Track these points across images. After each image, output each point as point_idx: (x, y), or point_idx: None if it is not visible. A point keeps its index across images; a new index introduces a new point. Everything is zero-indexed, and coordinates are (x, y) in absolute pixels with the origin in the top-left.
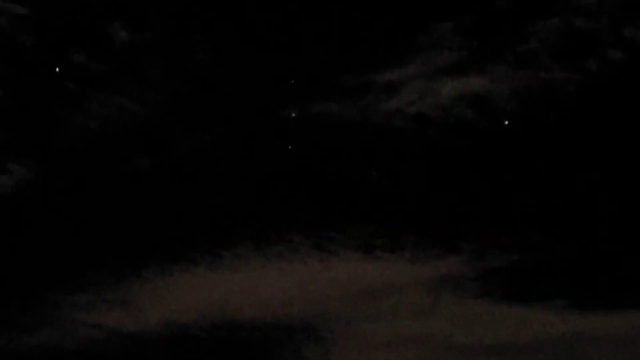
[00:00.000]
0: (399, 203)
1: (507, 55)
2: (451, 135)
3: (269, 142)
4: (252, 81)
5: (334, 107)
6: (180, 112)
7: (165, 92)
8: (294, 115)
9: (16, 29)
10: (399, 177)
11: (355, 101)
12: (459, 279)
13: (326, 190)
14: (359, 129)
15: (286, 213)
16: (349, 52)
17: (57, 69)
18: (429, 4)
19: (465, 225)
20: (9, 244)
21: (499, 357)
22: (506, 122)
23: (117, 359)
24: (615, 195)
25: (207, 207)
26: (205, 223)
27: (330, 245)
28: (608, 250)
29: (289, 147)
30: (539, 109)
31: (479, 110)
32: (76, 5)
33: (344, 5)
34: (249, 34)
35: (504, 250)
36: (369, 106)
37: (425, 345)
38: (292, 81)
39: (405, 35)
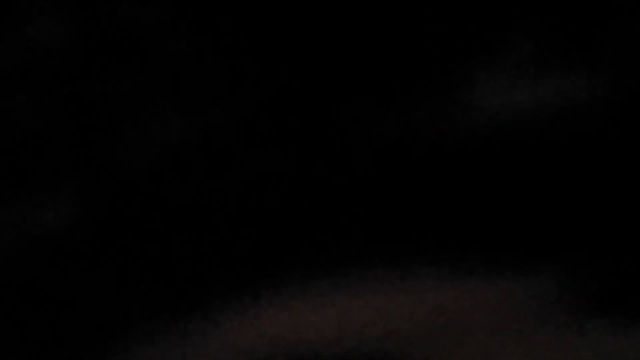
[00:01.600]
0: (476, 225)
1: (585, 60)
2: (530, 147)
3: (337, 161)
4: (312, 94)
5: (404, 121)
6: (234, 129)
7: (215, 105)
8: (361, 132)
9: (59, 50)
10: (475, 195)
11: (427, 115)
12: (540, 303)
13: (399, 213)
14: (432, 145)
15: (358, 239)
16: (416, 63)
17: (105, 85)
18: (501, 9)
19: (549, 246)
20: (63, 273)
21: None
22: (587, 131)
23: None
24: None
25: (271, 234)
26: (276, 252)
27: (401, 272)
28: None
29: (357, 159)
30: (622, 115)
31: (558, 118)
32: (124, 26)
33: (411, 15)
34: (306, 43)
35: (590, 272)
36: (445, 118)
37: None
38: (358, 96)
39: (475, 43)
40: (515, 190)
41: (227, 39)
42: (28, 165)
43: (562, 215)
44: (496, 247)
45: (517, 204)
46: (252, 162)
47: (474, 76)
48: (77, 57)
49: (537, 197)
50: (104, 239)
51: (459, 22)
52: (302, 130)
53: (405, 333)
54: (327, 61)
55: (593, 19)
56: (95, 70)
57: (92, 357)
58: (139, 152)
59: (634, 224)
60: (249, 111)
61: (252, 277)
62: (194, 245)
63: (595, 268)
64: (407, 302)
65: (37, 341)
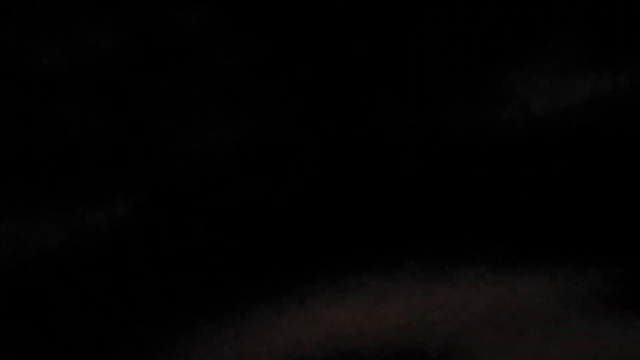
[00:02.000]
0: (525, 218)
1: (630, 55)
2: (574, 141)
3: (384, 159)
4: (360, 95)
5: (451, 119)
6: (284, 132)
7: (266, 111)
8: (408, 126)
9: (116, 59)
10: (521, 189)
11: (471, 111)
12: (594, 296)
13: (446, 210)
14: (477, 140)
15: (404, 237)
16: (460, 62)
17: (156, 94)
18: (544, 8)
19: (600, 239)
20: (120, 274)
21: None
22: (629, 129)
23: None
24: None
25: (322, 234)
26: (323, 252)
27: (453, 269)
28: None
29: (404, 160)
30: None
31: (602, 114)
32: (164, 33)
33: (452, 15)
34: (353, 46)
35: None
36: (485, 115)
37: None
38: (403, 92)
39: (519, 41)
40: (561, 187)
41: (264, 46)
42: (81, 167)
43: (605, 212)
44: (545, 244)
45: (563, 200)
46: (292, 165)
47: (516, 74)
48: (125, 64)
49: (582, 194)
50: (152, 240)
51: (503, 20)
52: (341, 131)
53: (453, 333)
54: (370, 60)
55: (635, 17)
56: (143, 77)
57: (145, 351)
58: (186, 156)
59: None
60: (287, 114)
61: (296, 277)
62: (236, 247)
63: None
64: (456, 299)
65: (86, 334)
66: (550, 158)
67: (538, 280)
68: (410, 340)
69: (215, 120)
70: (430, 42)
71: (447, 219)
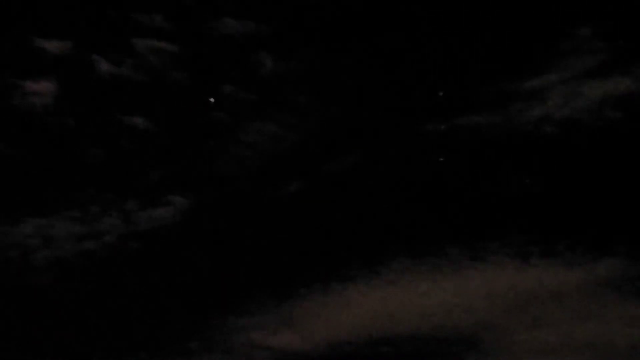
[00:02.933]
0: (552, 208)
1: None
2: (599, 137)
3: (418, 157)
4: (398, 98)
5: (481, 118)
6: (328, 134)
7: (312, 116)
8: (442, 127)
9: (168, 65)
10: (549, 182)
11: (501, 110)
12: (617, 281)
13: (478, 201)
14: (507, 138)
15: (440, 225)
16: (492, 63)
17: (212, 100)
18: (567, 10)
19: (621, 227)
20: (173, 272)
21: None
22: None
23: None
24: None
25: (360, 225)
26: (360, 240)
27: (486, 255)
28: None
29: (440, 159)
30: None
31: (626, 111)
32: (222, 37)
33: (484, 17)
34: (392, 52)
35: None
36: (515, 114)
37: (585, 351)
38: (440, 94)
39: (546, 41)
40: (583, 181)
41: (307, 54)
42: (144, 168)
43: (625, 205)
44: (576, 230)
45: (586, 193)
46: (335, 166)
47: (541, 79)
48: (182, 70)
49: (603, 187)
50: (206, 233)
51: (528, 30)
52: (380, 134)
53: (486, 316)
54: (408, 66)
55: None
56: (195, 81)
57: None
58: (237, 158)
59: None
60: (329, 118)
61: (346, 265)
62: (282, 240)
63: None
64: (488, 285)
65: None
66: (573, 155)
67: (565, 267)
68: (445, 322)
69: (263, 123)
70: (465, 51)
71: (480, 210)
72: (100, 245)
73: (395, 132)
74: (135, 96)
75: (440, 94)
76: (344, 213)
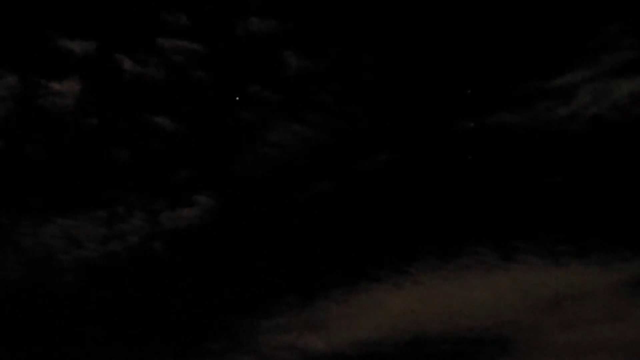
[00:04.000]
0: (582, 207)
1: None
2: (629, 135)
3: (447, 155)
4: (426, 96)
5: (510, 116)
6: (354, 133)
7: (338, 115)
8: (471, 125)
9: (192, 64)
10: (579, 181)
11: (529, 108)
12: None
13: (508, 199)
14: (536, 136)
15: (469, 225)
16: (521, 62)
17: (237, 98)
18: (595, 8)
19: None
20: (199, 273)
21: None
22: None
23: None
24: None
25: (388, 225)
26: (388, 240)
27: (516, 254)
28: None
29: (469, 157)
30: None
31: None
32: (246, 37)
33: (512, 15)
34: (419, 50)
35: None
36: (543, 112)
37: (617, 350)
38: (468, 92)
39: (574, 39)
40: (623, 177)
41: (330, 52)
42: (169, 168)
43: None
44: (607, 229)
45: (626, 188)
46: (364, 166)
47: (577, 73)
48: (206, 70)
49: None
50: (231, 233)
51: (560, 31)
52: (411, 133)
53: (517, 316)
54: (440, 63)
55: None
56: (219, 79)
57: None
58: (263, 157)
59: None
60: (360, 119)
61: (373, 265)
62: (309, 237)
63: None
64: (519, 285)
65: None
66: (602, 153)
67: (596, 266)
68: (475, 323)
69: (289, 123)
70: (493, 49)
71: (510, 209)
72: (126, 246)
73: (423, 131)
74: (160, 96)
75: (469, 91)
76: (371, 213)
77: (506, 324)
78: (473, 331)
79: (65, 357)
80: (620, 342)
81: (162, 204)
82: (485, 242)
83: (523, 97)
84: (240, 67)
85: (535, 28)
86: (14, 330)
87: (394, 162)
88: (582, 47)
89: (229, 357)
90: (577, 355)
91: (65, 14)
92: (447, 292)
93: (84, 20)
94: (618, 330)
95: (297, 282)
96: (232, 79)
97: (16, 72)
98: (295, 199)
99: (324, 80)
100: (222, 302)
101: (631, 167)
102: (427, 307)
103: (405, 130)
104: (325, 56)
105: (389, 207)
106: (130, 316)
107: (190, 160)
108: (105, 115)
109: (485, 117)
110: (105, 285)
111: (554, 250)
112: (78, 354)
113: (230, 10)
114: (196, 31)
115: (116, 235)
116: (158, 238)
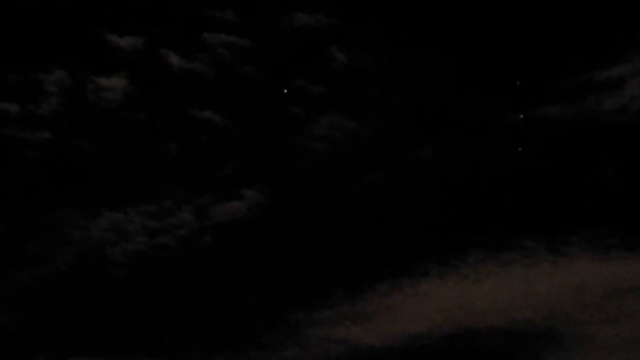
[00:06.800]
0: (632, 200)
1: None
2: None
3: (495, 148)
4: (474, 89)
5: (558, 109)
6: (402, 127)
7: (386, 109)
8: (521, 117)
9: (240, 59)
10: (629, 174)
11: (578, 101)
12: None
13: (557, 193)
14: (584, 129)
15: (518, 218)
16: (568, 54)
17: (285, 91)
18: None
19: None
20: (247, 266)
21: None
22: None
23: None
24: None
25: (435, 218)
26: (435, 234)
27: (565, 248)
28: None
29: (518, 150)
30: None
31: None
32: (292, 32)
33: (560, 8)
34: (467, 44)
35: None
36: (592, 105)
37: None
38: (517, 83)
39: (623, 32)
40: None
41: (379, 47)
42: (217, 162)
43: None
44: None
45: None
46: (412, 159)
47: (625, 65)
48: (254, 64)
49: None
50: (279, 227)
51: (594, 32)
52: (455, 129)
53: (565, 309)
54: (481, 62)
55: None
56: (269, 75)
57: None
58: (311, 151)
59: None
60: (408, 112)
61: (420, 259)
62: (355, 232)
63: None
64: (568, 278)
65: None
66: None
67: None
68: (521, 316)
69: (336, 117)
70: (541, 41)
71: (559, 203)
72: (175, 240)
73: (472, 124)
74: (208, 91)
75: (518, 83)
76: (419, 206)
77: (554, 318)
78: (520, 325)
79: (116, 349)
80: None
81: (210, 197)
82: (532, 236)
83: (571, 90)
84: (286, 61)
85: (584, 20)
86: (66, 322)
87: (441, 155)
88: (630, 39)
89: (277, 350)
90: (626, 349)
91: (113, 10)
92: (494, 286)
93: (132, 16)
94: None
95: (345, 275)
96: (278, 74)
97: (65, 68)
98: (342, 193)
99: (372, 75)
100: (269, 295)
101: None
102: (474, 301)
103: (453, 123)
104: (371, 50)
105: (436, 201)
106: (179, 309)
107: (237, 154)
108: (153, 110)
109: (534, 110)
110: (154, 279)
111: (603, 244)
112: (127, 346)
113: (276, 5)
114: (243, 26)
115: (165, 229)
116: (206, 232)
